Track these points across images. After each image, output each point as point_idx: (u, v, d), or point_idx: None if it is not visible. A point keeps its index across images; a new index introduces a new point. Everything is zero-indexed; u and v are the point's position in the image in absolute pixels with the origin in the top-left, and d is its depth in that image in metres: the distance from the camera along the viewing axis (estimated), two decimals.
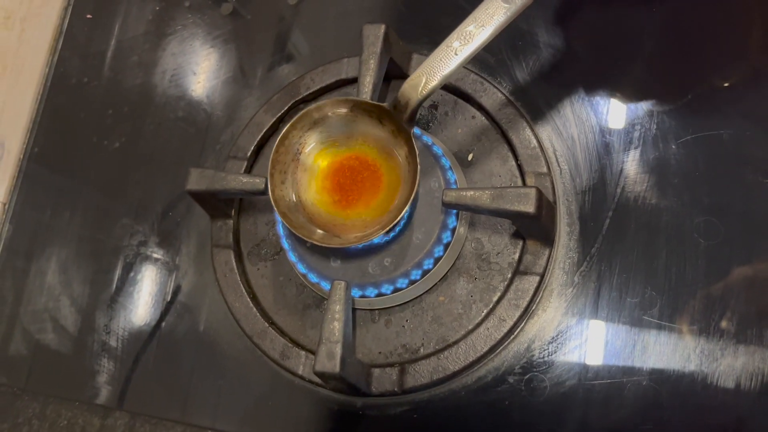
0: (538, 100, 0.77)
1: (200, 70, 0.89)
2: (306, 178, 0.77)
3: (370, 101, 0.75)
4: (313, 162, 0.77)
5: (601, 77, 0.76)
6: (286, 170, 0.77)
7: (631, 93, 0.75)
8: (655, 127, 0.73)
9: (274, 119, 0.83)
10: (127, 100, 0.90)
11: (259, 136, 0.83)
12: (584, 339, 0.71)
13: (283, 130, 0.75)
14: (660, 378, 0.69)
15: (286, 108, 0.83)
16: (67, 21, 0.94)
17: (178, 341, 0.85)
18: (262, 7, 0.87)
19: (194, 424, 0.82)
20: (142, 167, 0.88)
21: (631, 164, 0.73)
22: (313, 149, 0.78)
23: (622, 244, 0.72)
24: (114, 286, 0.88)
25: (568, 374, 0.71)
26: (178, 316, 0.85)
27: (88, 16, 0.92)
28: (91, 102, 0.91)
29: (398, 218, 0.71)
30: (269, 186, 0.74)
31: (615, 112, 0.75)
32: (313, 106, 0.75)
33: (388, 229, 0.71)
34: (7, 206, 0.91)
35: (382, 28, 0.77)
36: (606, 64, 0.76)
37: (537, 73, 0.78)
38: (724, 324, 0.68)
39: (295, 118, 0.75)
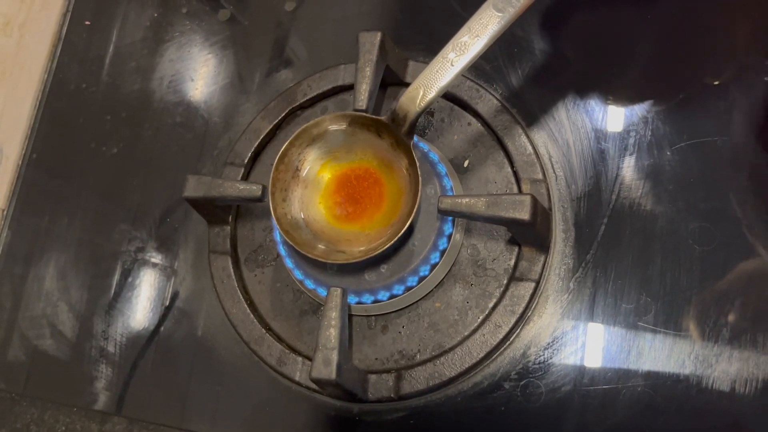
0: (533, 107, 0.77)
1: (198, 76, 0.89)
2: (308, 194, 0.78)
3: (368, 115, 0.75)
4: (314, 178, 0.78)
5: (596, 83, 0.76)
6: (287, 188, 0.77)
7: (626, 99, 0.76)
8: (650, 133, 0.74)
9: (272, 126, 0.84)
10: (126, 106, 0.90)
11: (257, 143, 0.84)
12: (580, 345, 0.72)
13: (282, 148, 0.75)
14: (655, 384, 0.70)
15: (283, 114, 0.83)
16: (65, 27, 0.95)
17: (176, 347, 0.85)
18: (259, 13, 0.88)
19: (192, 430, 0.82)
20: (140, 173, 0.89)
21: (626, 170, 0.74)
22: (313, 165, 0.78)
23: (617, 251, 0.73)
24: (112, 291, 0.88)
25: (564, 380, 0.72)
26: (175, 321, 0.86)
27: (87, 22, 0.93)
28: (89, 108, 0.92)
29: (401, 232, 0.71)
30: (271, 205, 0.75)
31: (610, 118, 0.76)
32: (311, 122, 0.76)
33: (392, 243, 0.72)
34: (5, 212, 0.92)
35: (378, 35, 0.78)
36: (601, 70, 0.77)
37: (532, 79, 0.78)
38: (718, 329, 0.68)
39: (293, 136, 0.75)
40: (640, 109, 0.74)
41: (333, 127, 0.77)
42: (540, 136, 0.77)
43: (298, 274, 0.80)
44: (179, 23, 0.91)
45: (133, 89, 0.90)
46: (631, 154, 0.74)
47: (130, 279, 0.88)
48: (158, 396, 0.85)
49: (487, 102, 0.78)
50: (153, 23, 0.92)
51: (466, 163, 0.78)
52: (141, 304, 0.87)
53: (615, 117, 0.75)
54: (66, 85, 0.94)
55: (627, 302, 0.71)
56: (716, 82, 0.74)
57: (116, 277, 0.88)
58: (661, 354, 0.70)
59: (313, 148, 0.77)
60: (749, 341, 0.68)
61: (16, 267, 0.90)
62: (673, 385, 0.69)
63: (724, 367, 0.68)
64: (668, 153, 0.73)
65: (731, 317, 0.68)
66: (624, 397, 0.70)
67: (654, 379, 0.70)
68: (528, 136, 0.77)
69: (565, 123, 0.76)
